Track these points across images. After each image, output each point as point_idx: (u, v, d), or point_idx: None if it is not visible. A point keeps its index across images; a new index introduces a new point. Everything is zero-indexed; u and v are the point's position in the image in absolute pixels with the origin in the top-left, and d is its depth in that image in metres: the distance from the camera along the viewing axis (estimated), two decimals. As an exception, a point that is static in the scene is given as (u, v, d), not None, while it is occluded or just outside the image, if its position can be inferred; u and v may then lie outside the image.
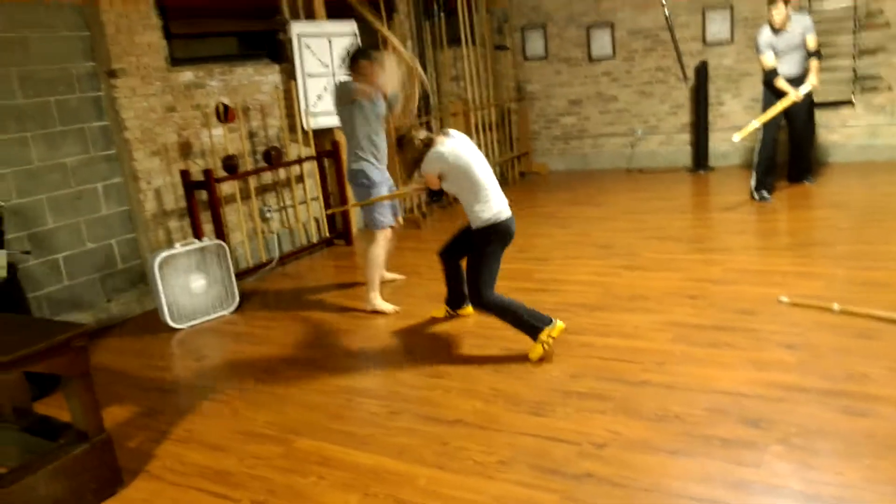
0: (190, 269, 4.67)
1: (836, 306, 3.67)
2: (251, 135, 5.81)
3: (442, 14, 7.73)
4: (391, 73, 4.24)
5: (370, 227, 4.58)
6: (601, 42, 8.57)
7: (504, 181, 7.75)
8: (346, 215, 6.40)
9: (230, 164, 5.32)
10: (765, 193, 6.25)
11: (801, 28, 6.00)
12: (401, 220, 4.75)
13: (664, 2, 7.63)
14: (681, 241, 5.36)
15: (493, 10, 8.72)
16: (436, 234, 6.49)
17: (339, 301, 4.83)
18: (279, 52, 6.08)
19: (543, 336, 3.43)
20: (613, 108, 8.75)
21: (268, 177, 5.92)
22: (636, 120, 8.62)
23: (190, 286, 4.66)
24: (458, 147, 3.53)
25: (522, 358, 3.48)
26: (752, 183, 6.33)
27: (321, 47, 6.08)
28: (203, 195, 5.21)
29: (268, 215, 5.94)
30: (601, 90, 8.76)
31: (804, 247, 4.95)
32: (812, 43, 6.03)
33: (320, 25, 6.13)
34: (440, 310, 4.24)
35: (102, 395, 2.96)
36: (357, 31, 6.30)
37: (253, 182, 5.72)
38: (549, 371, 3.35)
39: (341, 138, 6.40)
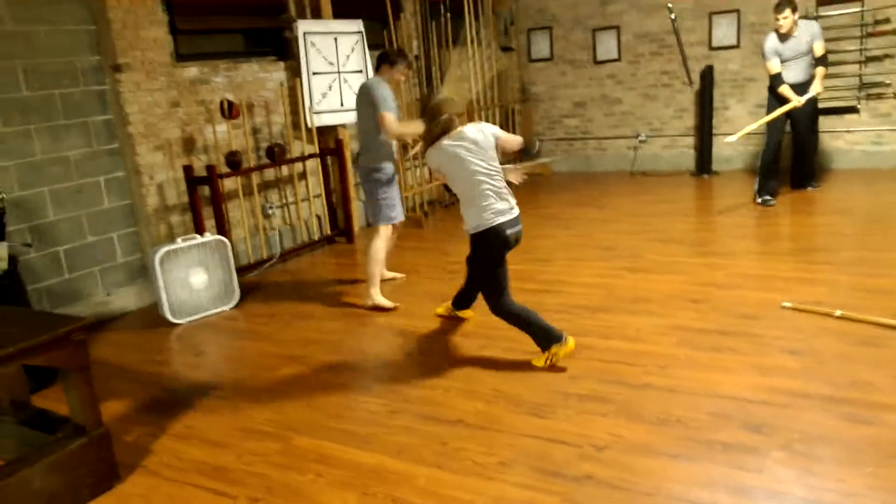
0: (191, 264, 4.66)
1: (838, 312, 3.65)
2: (255, 131, 5.80)
3: (448, 15, 7.71)
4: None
5: (376, 222, 4.58)
6: (607, 45, 8.56)
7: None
8: (348, 213, 6.39)
9: (233, 160, 5.31)
10: (767, 197, 6.24)
11: (808, 35, 5.99)
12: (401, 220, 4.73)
13: (670, 6, 7.62)
14: (684, 245, 5.34)
15: (499, 12, 8.71)
16: (437, 234, 6.48)
17: (340, 299, 4.82)
18: (285, 50, 6.07)
19: (553, 349, 3.35)
20: (618, 111, 8.73)
21: (270, 173, 5.91)
22: (640, 123, 8.60)
23: (190, 281, 4.65)
24: (460, 145, 3.39)
25: (524, 359, 3.46)
26: (756, 187, 6.33)
27: (327, 46, 6.08)
28: (205, 191, 5.19)
29: (270, 212, 5.92)
30: (606, 93, 8.74)
31: (807, 252, 4.94)
32: (819, 50, 6.02)
33: (326, 24, 6.12)
34: (443, 307, 4.22)
35: (101, 390, 2.95)
36: (363, 30, 6.29)
37: (256, 178, 5.71)
38: (550, 372, 3.33)
39: (345, 136, 6.41)
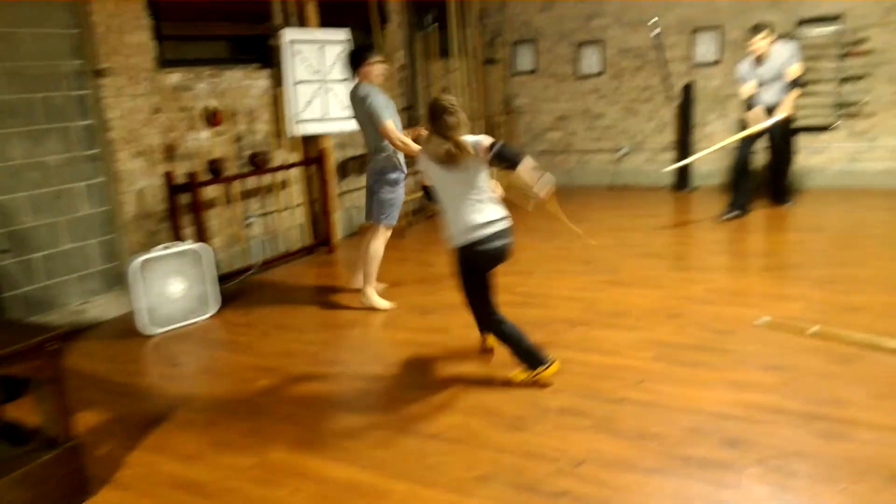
0: (170, 272, 4.61)
1: (812, 329, 3.70)
2: (238, 139, 5.76)
3: (434, 26, 7.74)
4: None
5: (381, 221, 4.60)
6: (590, 59, 8.64)
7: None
8: (329, 223, 6.37)
9: (215, 167, 5.28)
10: (731, 211, 6.36)
11: (784, 57, 6.10)
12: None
13: (653, 22, 7.71)
14: (663, 259, 5.38)
15: (485, 24, 8.76)
16: (419, 245, 6.47)
17: (320, 309, 4.79)
18: (270, 57, 6.05)
19: (538, 371, 3.32)
20: (600, 125, 8.80)
21: (253, 181, 5.88)
22: (622, 137, 8.67)
23: (169, 290, 4.60)
24: (429, 160, 3.31)
25: (504, 372, 3.46)
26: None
27: (313, 54, 6.07)
28: (186, 198, 5.15)
29: (251, 220, 5.89)
30: (588, 106, 8.81)
31: (783, 269, 5.00)
32: (792, 72, 6.10)
33: (313, 33, 6.11)
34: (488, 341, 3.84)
35: (74, 401, 2.90)
36: (350, 38, 6.29)
37: (238, 186, 5.67)
38: (528, 386, 3.33)
39: (329, 145, 6.39)
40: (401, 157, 4.53)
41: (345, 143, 6.84)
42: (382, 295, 4.74)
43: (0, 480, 2.40)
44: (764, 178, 6.81)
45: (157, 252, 4.55)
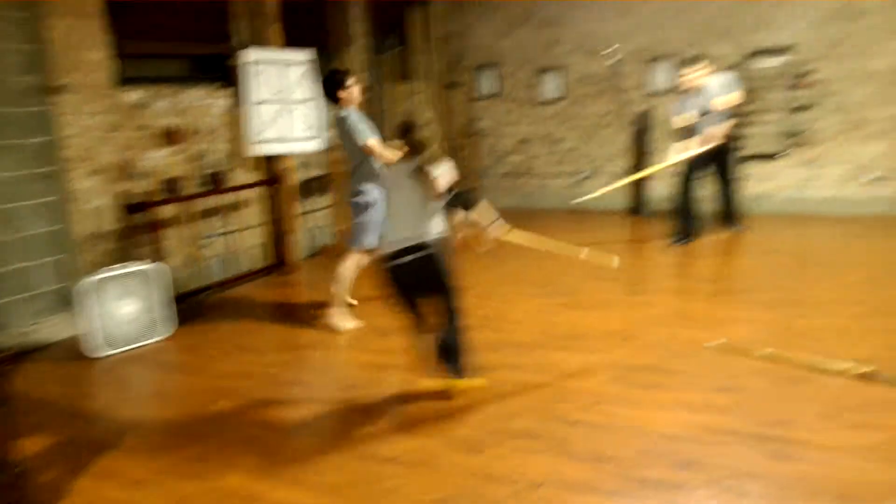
0: (123, 292, 4.52)
1: (762, 352, 3.79)
2: (197, 158, 5.70)
3: (397, 49, 7.81)
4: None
5: (351, 244, 4.62)
6: (552, 85, 8.81)
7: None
8: (289, 244, 6.32)
9: (173, 186, 5.22)
10: (679, 238, 6.51)
11: (717, 90, 6.22)
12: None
13: (612, 50, 7.90)
14: (618, 282, 5.46)
15: (448, 48, 8.86)
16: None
17: (277, 331, 4.74)
18: (231, 77, 6.02)
19: (462, 382, 3.41)
20: (560, 149, 8.95)
21: (212, 201, 5.81)
22: (582, 161, 8.83)
23: (123, 311, 4.50)
24: (396, 171, 3.50)
25: (461, 394, 3.46)
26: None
27: (275, 75, 6.05)
28: (143, 217, 5.07)
29: (209, 240, 5.81)
30: (550, 131, 8.96)
31: (733, 292, 5.12)
32: (718, 103, 6.19)
33: (275, 53, 6.11)
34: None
35: (20, 425, 2.81)
36: (313, 59, 6.28)
37: (195, 206, 5.60)
38: (486, 409, 3.34)
39: (289, 165, 6.36)
40: (368, 180, 4.53)
41: (307, 164, 6.82)
42: (353, 314, 4.74)
43: (-63, 509, 2.31)
44: (714, 205, 6.97)
45: (110, 272, 4.46)
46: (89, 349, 4.39)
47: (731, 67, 7.13)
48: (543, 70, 8.82)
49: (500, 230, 3.54)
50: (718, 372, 3.63)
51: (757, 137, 7.63)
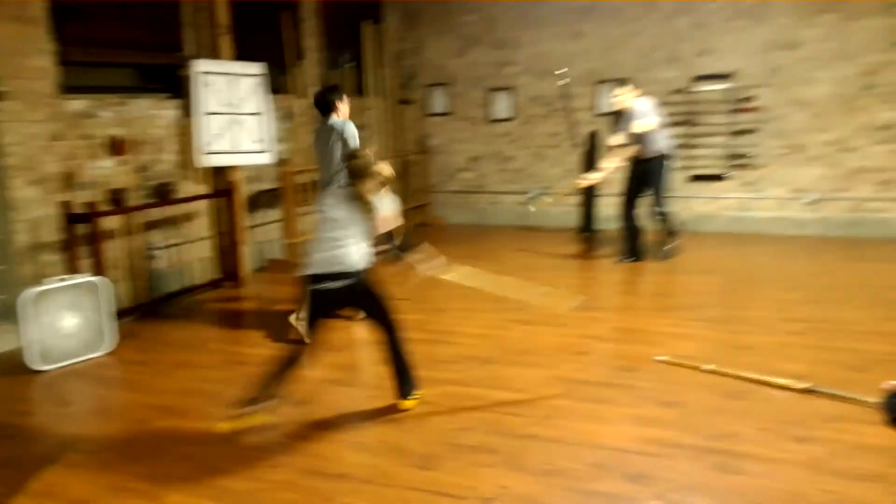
0: (63, 306, 4.36)
1: (707, 367, 3.90)
2: (143, 168, 5.58)
3: (350, 65, 7.81)
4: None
5: None
6: (502, 104, 8.94)
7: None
8: (237, 257, 6.22)
9: (117, 197, 5.09)
10: (625, 257, 6.69)
11: (637, 114, 6.38)
12: None
13: (561, 72, 8.06)
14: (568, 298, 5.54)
15: (401, 66, 8.91)
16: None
17: (223, 345, 4.65)
18: (179, 88, 5.92)
19: (408, 402, 3.46)
20: (510, 168, 9.08)
21: (158, 212, 5.68)
22: (531, 180, 8.97)
23: (62, 324, 4.34)
24: (335, 193, 3.50)
25: (414, 410, 3.46)
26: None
27: (224, 86, 5.98)
28: (85, 229, 4.92)
29: (154, 252, 5.67)
30: (500, 149, 9.08)
31: (679, 309, 5.26)
32: (637, 128, 6.34)
33: (225, 65, 6.03)
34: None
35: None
36: (265, 72, 6.23)
37: (140, 217, 5.47)
38: (438, 423, 3.34)
39: (238, 177, 6.27)
40: None
41: (257, 177, 6.74)
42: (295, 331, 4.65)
43: None
44: (653, 224, 7.09)
45: (50, 284, 4.31)
46: (27, 363, 4.22)
47: (674, 91, 7.36)
48: (494, 90, 8.95)
49: (439, 271, 3.65)
50: (665, 386, 3.71)
51: (702, 160, 7.90)
